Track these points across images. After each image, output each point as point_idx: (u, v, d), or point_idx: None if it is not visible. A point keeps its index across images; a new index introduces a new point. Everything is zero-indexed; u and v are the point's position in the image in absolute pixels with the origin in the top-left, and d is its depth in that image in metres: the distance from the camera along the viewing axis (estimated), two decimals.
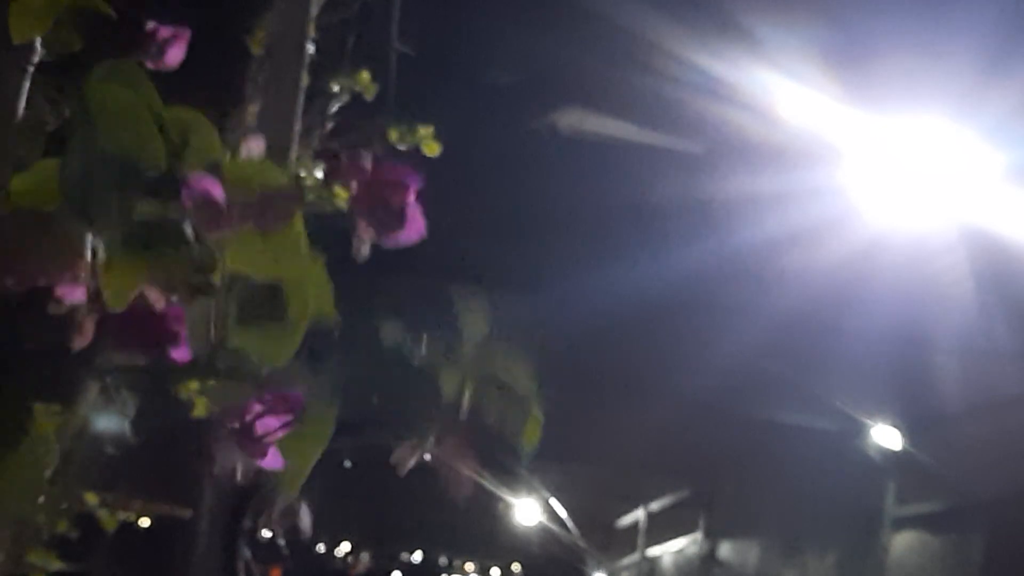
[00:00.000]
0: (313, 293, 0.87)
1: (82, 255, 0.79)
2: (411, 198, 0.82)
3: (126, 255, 0.80)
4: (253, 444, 0.81)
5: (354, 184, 0.81)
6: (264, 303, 0.87)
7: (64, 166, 0.78)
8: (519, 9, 5.32)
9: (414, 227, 0.83)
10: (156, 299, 0.81)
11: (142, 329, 0.81)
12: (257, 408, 0.81)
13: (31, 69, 0.79)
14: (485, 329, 0.89)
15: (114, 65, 0.80)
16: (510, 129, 6.16)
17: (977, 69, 4.98)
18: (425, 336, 0.89)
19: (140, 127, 0.78)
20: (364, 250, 0.84)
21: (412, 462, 0.87)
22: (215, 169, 0.83)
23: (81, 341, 0.79)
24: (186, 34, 0.87)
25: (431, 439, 0.87)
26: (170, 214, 0.83)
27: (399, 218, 0.82)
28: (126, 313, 0.80)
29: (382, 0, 4.32)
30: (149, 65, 0.86)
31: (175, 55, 0.86)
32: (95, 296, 0.79)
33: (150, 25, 0.86)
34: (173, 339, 0.81)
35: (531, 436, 0.89)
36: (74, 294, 0.80)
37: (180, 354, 0.82)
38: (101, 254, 0.79)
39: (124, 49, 0.82)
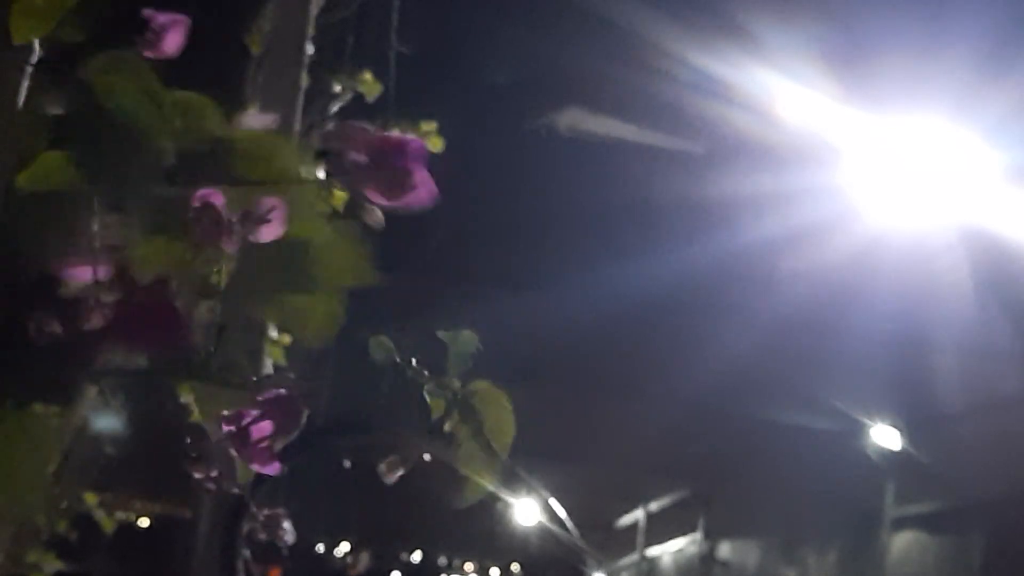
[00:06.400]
0: (345, 256, 0.81)
1: (93, 239, 0.78)
2: (419, 161, 0.78)
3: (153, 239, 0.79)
4: (249, 449, 0.80)
5: (359, 151, 0.77)
6: (285, 269, 0.82)
7: (81, 155, 0.77)
8: (519, 9, 5.32)
9: (425, 189, 0.78)
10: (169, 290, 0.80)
11: (148, 320, 0.80)
12: (253, 412, 0.80)
13: (30, 68, 0.79)
14: (469, 364, 0.86)
15: (114, 56, 0.80)
16: (510, 129, 6.16)
17: (977, 69, 4.98)
18: (413, 359, 0.87)
19: (152, 112, 0.78)
20: (378, 217, 0.81)
21: (399, 473, 0.86)
22: (222, 146, 0.81)
23: (91, 323, 0.77)
24: (183, 21, 0.85)
25: (417, 453, 0.86)
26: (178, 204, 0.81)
27: (408, 180, 0.77)
28: (133, 303, 0.79)
29: (382, 0, 4.32)
30: (148, 55, 0.84)
31: (173, 42, 0.85)
32: (104, 282, 0.78)
33: (147, 13, 0.85)
34: (179, 330, 0.79)
35: (474, 490, 0.87)
36: (83, 275, 0.78)
37: (183, 342, 0.80)
38: (115, 238, 0.78)
39: (123, 39, 0.82)
